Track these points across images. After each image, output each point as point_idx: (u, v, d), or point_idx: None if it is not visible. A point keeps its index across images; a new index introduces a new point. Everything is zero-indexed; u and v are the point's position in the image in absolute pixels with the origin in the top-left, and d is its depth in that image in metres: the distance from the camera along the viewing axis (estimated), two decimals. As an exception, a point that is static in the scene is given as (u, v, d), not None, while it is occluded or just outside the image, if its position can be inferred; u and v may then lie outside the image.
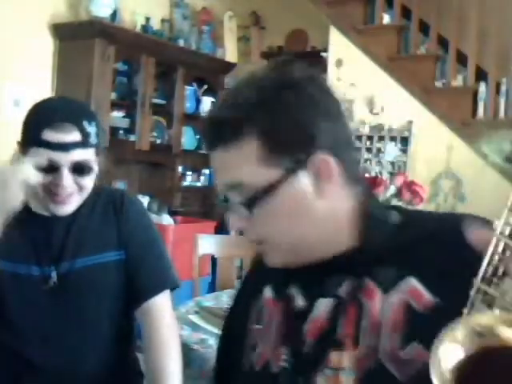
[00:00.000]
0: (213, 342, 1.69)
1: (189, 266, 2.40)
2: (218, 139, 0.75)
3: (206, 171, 4.87)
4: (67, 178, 1.21)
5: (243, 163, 0.73)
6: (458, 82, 3.60)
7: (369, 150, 3.89)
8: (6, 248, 1.25)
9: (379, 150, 3.86)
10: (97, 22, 3.74)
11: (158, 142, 4.40)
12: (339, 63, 3.99)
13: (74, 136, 1.21)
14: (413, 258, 0.73)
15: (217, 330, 1.79)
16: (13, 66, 3.54)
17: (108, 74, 3.84)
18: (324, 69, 4.18)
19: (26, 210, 1.29)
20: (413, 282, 0.71)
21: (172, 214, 4.30)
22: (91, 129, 1.24)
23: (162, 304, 1.35)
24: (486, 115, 3.39)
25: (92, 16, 3.74)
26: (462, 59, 3.51)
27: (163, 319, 1.34)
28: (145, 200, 4.16)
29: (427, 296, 0.70)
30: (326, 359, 0.73)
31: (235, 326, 0.94)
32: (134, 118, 4.13)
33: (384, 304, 0.71)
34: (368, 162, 3.89)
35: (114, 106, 4.04)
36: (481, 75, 3.46)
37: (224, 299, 2.12)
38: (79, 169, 1.23)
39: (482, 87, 3.38)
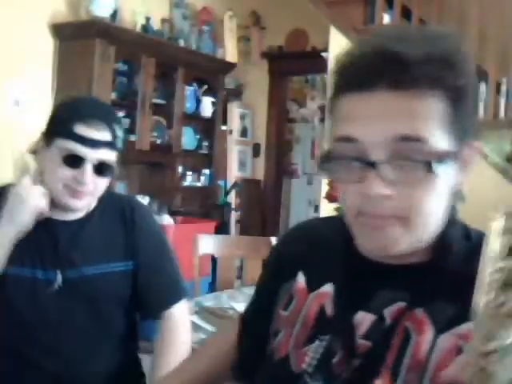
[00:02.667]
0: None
1: (189, 265, 2.39)
2: (402, 80, 0.62)
3: (206, 171, 4.87)
4: (90, 175, 1.22)
5: (428, 118, 0.62)
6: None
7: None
8: (13, 251, 1.25)
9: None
10: (97, 21, 3.74)
11: (158, 142, 4.40)
12: (339, 63, 3.97)
13: (105, 135, 1.22)
14: None
15: (217, 330, 1.79)
16: (13, 66, 3.54)
17: (108, 74, 3.84)
18: (324, 69, 4.18)
19: None
20: (472, 326, 0.62)
21: (172, 213, 4.30)
22: (119, 133, 1.26)
23: (178, 315, 1.36)
24: (486, 115, 3.39)
25: (92, 16, 3.74)
26: (462, 59, 3.51)
27: (179, 334, 1.35)
28: (145, 200, 4.15)
29: None
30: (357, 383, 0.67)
31: (262, 308, 0.87)
32: (134, 117, 4.13)
33: (434, 345, 0.64)
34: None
35: (114, 106, 4.02)
36: (481, 75, 3.45)
37: (224, 299, 2.12)
38: (102, 168, 1.24)
39: (482, 87, 3.37)
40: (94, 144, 1.20)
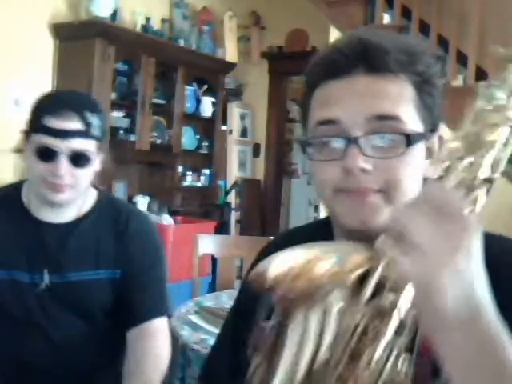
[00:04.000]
0: (213, 342, 1.68)
1: (189, 266, 2.40)
2: (378, 65, 0.69)
3: (206, 171, 4.87)
4: (64, 167, 1.18)
5: (401, 99, 0.69)
6: (458, 81, 3.60)
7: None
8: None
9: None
10: (97, 21, 3.74)
11: (158, 141, 4.40)
12: (339, 63, 3.97)
13: (75, 124, 1.18)
14: None
15: (217, 330, 1.79)
16: (13, 66, 3.54)
17: (108, 74, 3.84)
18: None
19: (24, 212, 1.28)
20: None
21: (172, 213, 4.30)
22: (94, 120, 1.21)
23: (156, 329, 1.31)
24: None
25: (92, 16, 3.74)
26: (462, 59, 3.51)
27: (154, 347, 1.29)
28: (145, 200, 4.15)
29: None
30: None
31: (240, 323, 0.88)
32: (134, 118, 4.13)
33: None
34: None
35: (114, 105, 4.04)
36: (481, 75, 3.46)
37: (224, 299, 2.12)
38: (77, 159, 1.20)
39: (482, 87, 3.37)
40: (64, 135, 1.17)
